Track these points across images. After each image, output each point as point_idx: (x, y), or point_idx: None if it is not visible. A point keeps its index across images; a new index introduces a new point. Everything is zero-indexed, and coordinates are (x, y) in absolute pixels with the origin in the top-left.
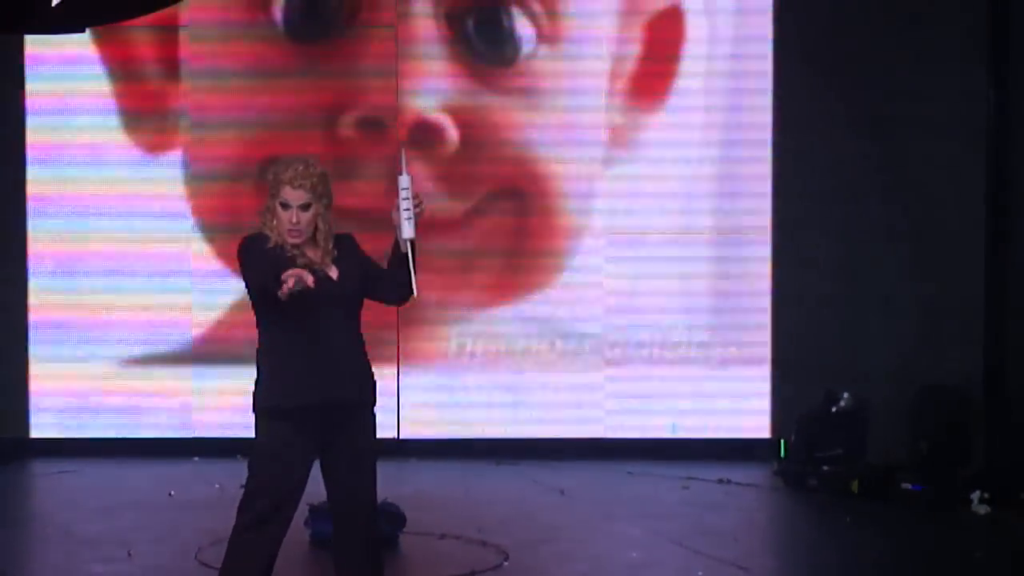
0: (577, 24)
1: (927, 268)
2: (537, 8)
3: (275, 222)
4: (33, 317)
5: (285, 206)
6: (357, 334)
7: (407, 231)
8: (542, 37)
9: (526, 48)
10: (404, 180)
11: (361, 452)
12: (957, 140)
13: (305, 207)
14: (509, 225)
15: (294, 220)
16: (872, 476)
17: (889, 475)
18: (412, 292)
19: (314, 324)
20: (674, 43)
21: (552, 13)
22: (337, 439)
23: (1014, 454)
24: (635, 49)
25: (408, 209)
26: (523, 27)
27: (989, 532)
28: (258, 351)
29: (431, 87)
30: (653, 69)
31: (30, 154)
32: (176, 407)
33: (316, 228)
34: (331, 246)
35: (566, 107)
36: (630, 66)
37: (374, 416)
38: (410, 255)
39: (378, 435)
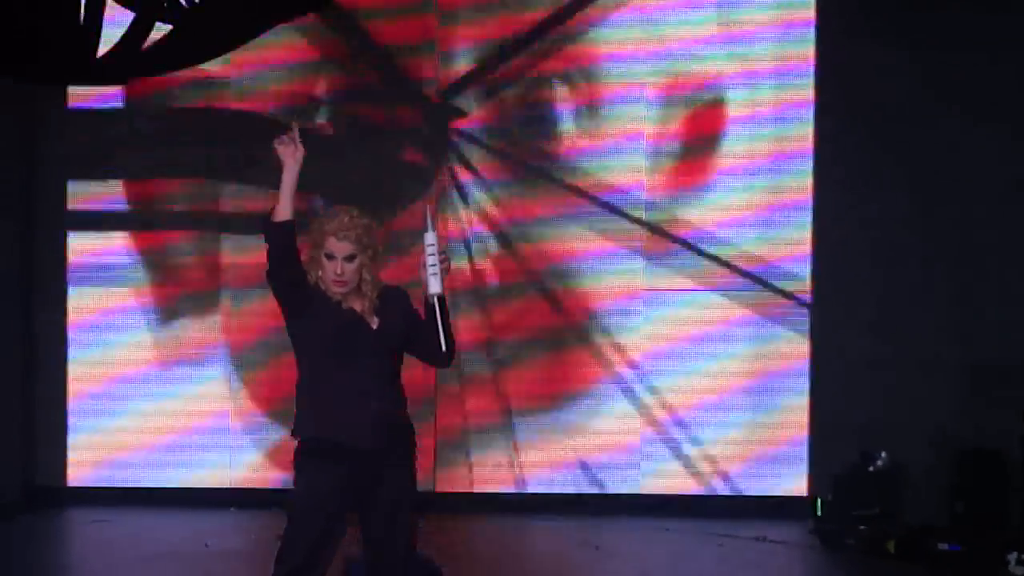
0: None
1: (967, 331)
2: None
3: (320, 272)
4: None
5: (330, 257)
6: (395, 386)
7: (434, 287)
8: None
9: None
10: (430, 237)
11: (396, 505)
12: (1001, 201)
13: (350, 258)
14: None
15: (339, 271)
16: (908, 536)
17: (925, 536)
18: (441, 348)
19: (351, 373)
20: (715, 135)
21: (592, 109)
22: (373, 491)
23: None
24: (676, 144)
25: (434, 265)
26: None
27: None
28: (297, 387)
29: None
30: (695, 162)
31: None
32: (214, 456)
33: (361, 278)
34: (376, 296)
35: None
36: (670, 161)
37: (411, 469)
38: (438, 312)
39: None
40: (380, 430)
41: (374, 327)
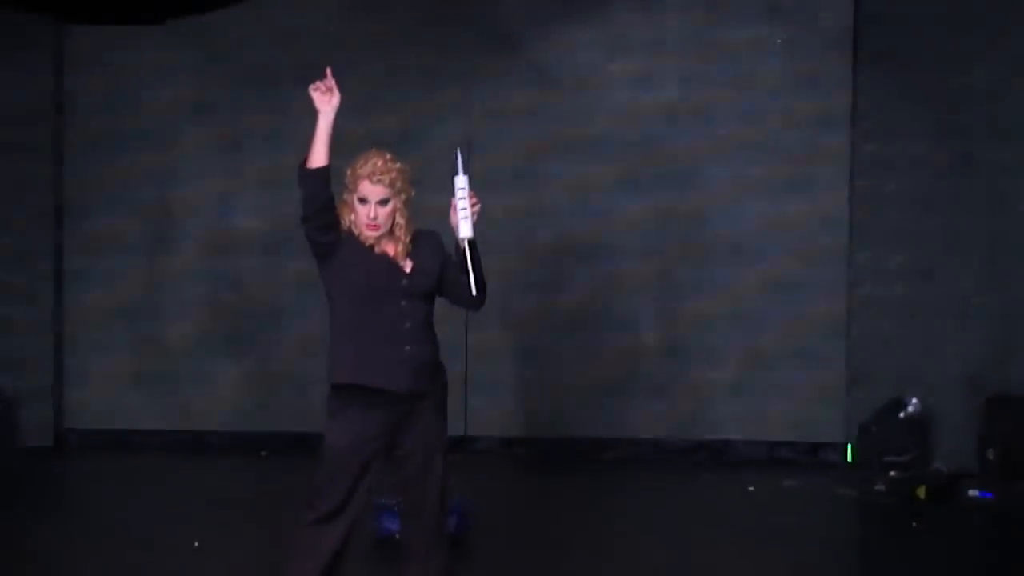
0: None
1: (1001, 277)
2: None
3: (353, 216)
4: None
5: (363, 201)
6: (427, 329)
7: (464, 231)
8: None
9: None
10: (460, 180)
11: (430, 448)
12: None
13: (384, 202)
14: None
15: (372, 215)
16: (939, 483)
17: (956, 482)
18: (472, 293)
19: (383, 314)
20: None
21: None
22: (405, 433)
23: None
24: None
25: (465, 209)
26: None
27: None
28: (331, 333)
29: None
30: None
31: None
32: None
33: (394, 222)
34: (409, 240)
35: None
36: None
37: (444, 411)
38: (468, 256)
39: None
40: (414, 373)
41: (407, 270)
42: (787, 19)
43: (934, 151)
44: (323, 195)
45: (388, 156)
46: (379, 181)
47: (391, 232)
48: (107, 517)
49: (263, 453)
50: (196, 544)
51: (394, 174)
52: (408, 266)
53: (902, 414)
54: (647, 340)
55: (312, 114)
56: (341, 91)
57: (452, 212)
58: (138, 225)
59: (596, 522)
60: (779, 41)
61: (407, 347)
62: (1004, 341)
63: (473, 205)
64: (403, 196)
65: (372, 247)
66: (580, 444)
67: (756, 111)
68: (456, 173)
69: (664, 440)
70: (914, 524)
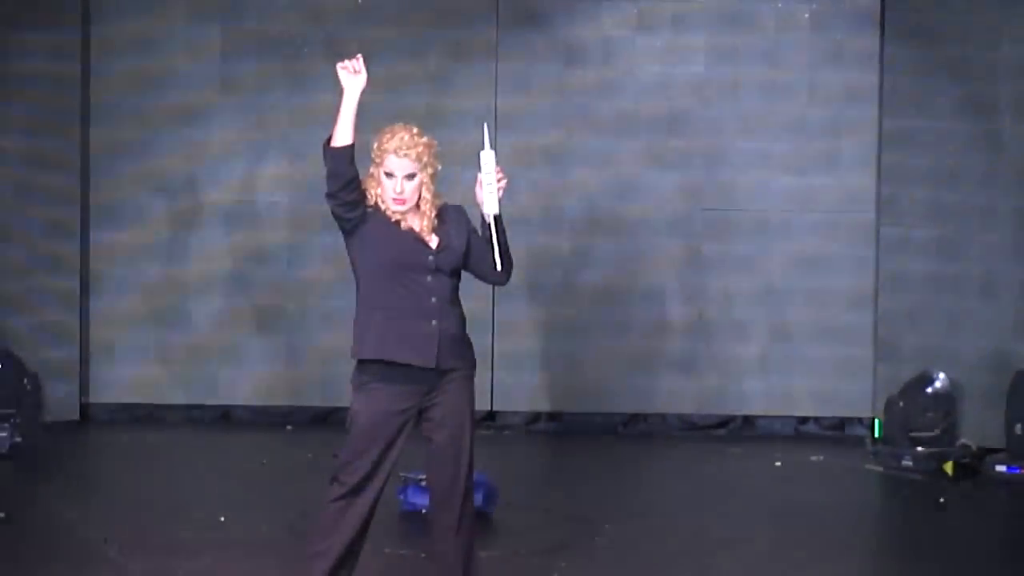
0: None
1: None
2: None
3: (379, 190)
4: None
5: (389, 175)
6: (453, 304)
7: (490, 206)
8: None
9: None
10: (487, 155)
11: (457, 422)
12: None
13: (410, 176)
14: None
15: (398, 189)
16: (966, 458)
17: (983, 457)
18: (496, 268)
19: (408, 289)
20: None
21: None
22: (432, 409)
23: None
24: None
25: (491, 184)
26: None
27: None
28: (357, 308)
29: None
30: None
31: None
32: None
33: (420, 197)
34: (435, 215)
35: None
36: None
37: (470, 388)
38: (494, 231)
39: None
40: (440, 348)
41: (432, 246)
42: None
43: (960, 126)
44: (347, 173)
45: (415, 130)
46: (405, 155)
47: (417, 207)
48: (132, 491)
49: (288, 427)
50: (221, 519)
51: (420, 148)
52: (434, 241)
53: (929, 389)
54: (674, 315)
55: (338, 89)
56: (367, 66)
57: (478, 187)
58: (164, 199)
59: (623, 497)
60: (806, 15)
61: (433, 322)
62: None
63: (499, 180)
64: (429, 170)
65: (398, 222)
66: (607, 419)
67: (783, 86)
68: (482, 148)
69: (691, 415)
70: (941, 499)
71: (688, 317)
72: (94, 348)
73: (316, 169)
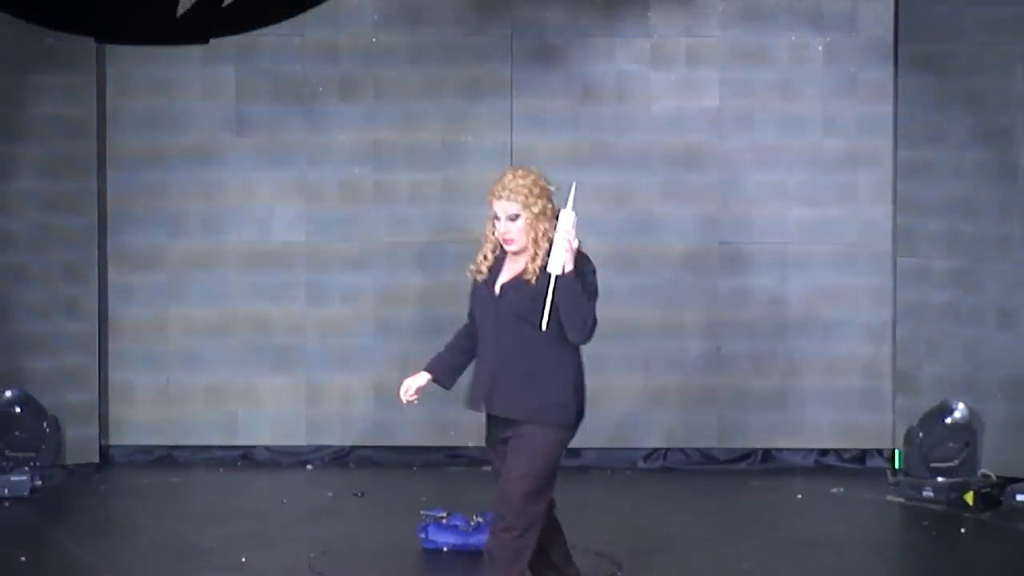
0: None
1: None
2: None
3: (494, 233)
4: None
5: (496, 218)
6: (524, 349)
7: (554, 265)
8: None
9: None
10: (567, 215)
11: (512, 460)
12: None
13: (513, 218)
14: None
15: (503, 231)
16: (987, 487)
17: (1004, 487)
18: (542, 327)
19: (484, 335)
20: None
21: None
22: (501, 454)
23: None
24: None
25: (561, 243)
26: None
27: None
28: None
29: None
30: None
31: None
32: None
33: (532, 238)
34: (537, 257)
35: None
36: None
37: (536, 433)
38: (551, 289)
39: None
40: (491, 390)
41: (497, 290)
42: (827, 26)
43: (976, 156)
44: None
45: (520, 171)
46: (504, 197)
47: (529, 248)
48: (153, 533)
49: (308, 467)
50: (243, 559)
51: (523, 189)
52: (499, 290)
53: (948, 419)
54: (692, 349)
55: (352, 126)
56: (382, 104)
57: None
58: (181, 240)
59: (644, 531)
60: (820, 48)
61: (494, 366)
62: None
63: (571, 242)
64: (534, 210)
65: (491, 269)
66: (627, 454)
67: (798, 119)
68: (564, 206)
69: (711, 449)
70: (962, 530)
71: (707, 351)
72: (113, 390)
73: (332, 207)
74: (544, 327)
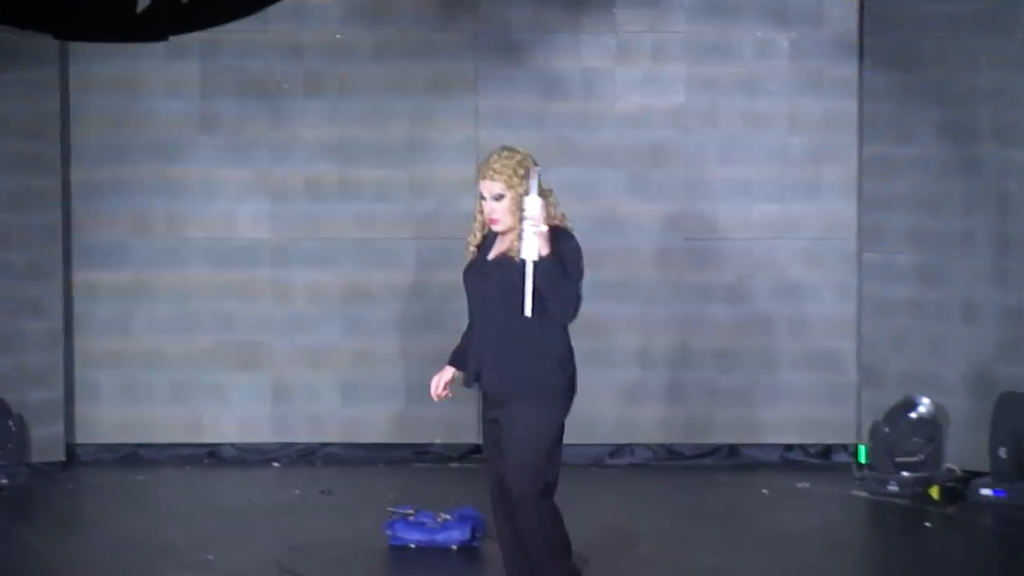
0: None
1: (1008, 275)
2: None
3: (481, 213)
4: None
5: (482, 197)
6: (511, 326)
7: (527, 251)
8: None
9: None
10: (532, 201)
11: (507, 443)
12: None
13: (498, 198)
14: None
15: (488, 210)
16: (952, 482)
17: (968, 481)
18: (525, 311)
19: (475, 312)
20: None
21: None
22: (497, 425)
23: None
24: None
25: (531, 229)
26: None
27: None
28: None
29: None
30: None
31: None
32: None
33: (518, 217)
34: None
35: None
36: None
37: (526, 408)
38: (530, 274)
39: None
40: (485, 367)
41: (485, 272)
42: (792, 21)
43: (941, 151)
44: None
45: (506, 152)
46: (488, 176)
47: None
48: (119, 531)
49: (275, 464)
50: (209, 557)
51: (507, 169)
52: (489, 262)
53: (913, 414)
54: (658, 345)
55: (317, 123)
56: (347, 100)
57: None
58: (146, 237)
59: (609, 528)
60: (785, 44)
61: (487, 343)
62: (1013, 339)
63: (537, 227)
64: (519, 189)
65: (496, 244)
66: (592, 450)
67: (763, 115)
68: (527, 193)
69: (677, 445)
70: (927, 524)
71: (673, 347)
72: (78, 389)
73: (298, 204)
74: (528, 312)
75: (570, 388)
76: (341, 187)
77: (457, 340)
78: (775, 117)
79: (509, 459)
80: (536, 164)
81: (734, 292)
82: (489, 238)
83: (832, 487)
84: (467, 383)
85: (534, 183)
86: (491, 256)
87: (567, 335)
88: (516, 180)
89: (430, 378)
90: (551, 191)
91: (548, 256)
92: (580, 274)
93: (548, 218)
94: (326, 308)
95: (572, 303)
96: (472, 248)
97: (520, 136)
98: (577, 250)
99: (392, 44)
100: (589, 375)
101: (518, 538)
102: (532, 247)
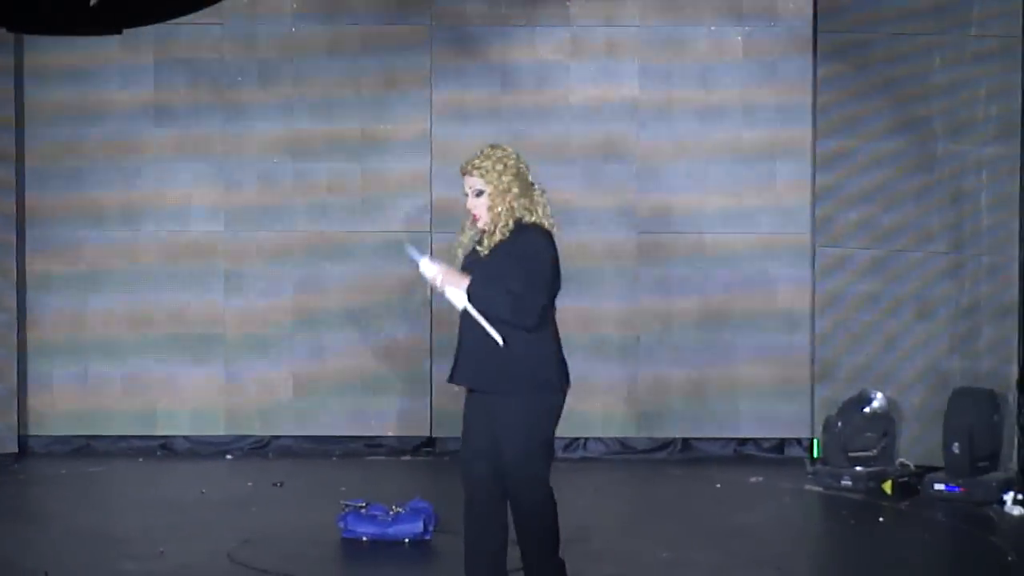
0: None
1: (962, 270)
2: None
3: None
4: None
5: (465, 194)
6: (493, 330)
7: (457, 301)
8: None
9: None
10: (424, 266)
11: (496, 439)
12: (993, 141)
13: (478, 194)
14: None
15: (469, 206)
16: (905, 477)
17: (922, 476)
18: (499, 343)
19: (463, 316)
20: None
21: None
22: (480, 421)
23: None
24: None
25: (440, 289)
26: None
27: (1022, 533)
28: None
29: None
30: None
31: None
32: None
33: (496, 214)
34: (502, 235)
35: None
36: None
37: (510, 405)
38: (476, 313)
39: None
40: (464, 365)
41: (464, 268)
42: (747, 16)
43: (895, 146)
44: None
45: (489, 148)
46: (469, 172)
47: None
48: (72, 523)
49: (228, 457)
50: (161, 550)
51: (486, 164)
52: (467, 259)
53: (867, 409)
54: (612, 339)
55: (271, 116)
56: (301, 94)
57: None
58: (99, 229)
59: (562, 520)
60: (739, 38)
61: (466, 341)
62: (967, 334)
63: (440, 280)
64: (499, 186)
65: (477, 244)
66: None
67: (717, 109)
68: (415, 261)
69: (630, 438)
70: (880, 519)
71: (626, 341)
72: (31, 380)
73: (251, 198)
74: (500, 341)
75: (549, 382)
76: (295, 180)
77: (406, 333)
78: (729, 110)
79: (504, 457)
80: (520, 168)
81: (688, 285)
82: (481, 234)
83: (785, 481)
84: (455, 381)
85: (413, 252)
86: (471, 253)
87: (545, 330)
88: (494, 176)
89: (380, 371)
90: (542, 191)
91: (480, 289)
92: (538, 274)
93: (516, 216)
94: (279, 301)
95: (522, 317)
96: (461, 242)
97: (474, 130)
98: (536, 253)
99: (346, 38)
100: None
101: (486, 537)
102: (455, 297)
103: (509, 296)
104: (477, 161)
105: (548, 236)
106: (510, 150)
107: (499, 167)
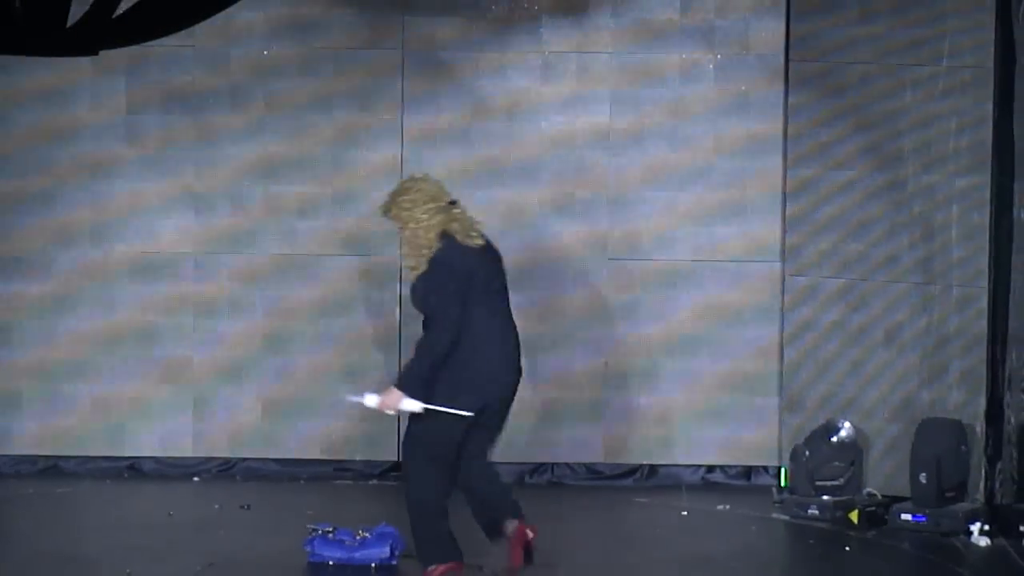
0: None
1: (931, 300)
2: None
3: None
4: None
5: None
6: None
7: (413, 409)
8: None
9: None
10: (370, 401)
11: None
12: (964, 173)
13: (400, 231)
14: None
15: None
16: (872, 506)
17: (889, 506)
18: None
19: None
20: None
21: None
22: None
23: (1015, 487)
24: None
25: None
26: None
27: (989, 564)
28: None
29: None
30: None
31: None
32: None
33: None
34: (418, 265)
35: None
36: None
37: (426, 415)
38: (433, 407)
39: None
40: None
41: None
42: (719, 43)
43: (865, 175)
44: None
45: (399, 187)
46: (386, 214)
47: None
48: (37, 544)
49: (195, 479)
50: (128, 572)
51: (394, 207)
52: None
53: (834, 438)
54: (580, 365)
55: (242, 138)
56: (272, 116)
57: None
58: (70, 251)
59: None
60: (711, 66)
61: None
62: (936, 365)
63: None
64: (411, 224)
65: None
66: (513, 468)
67: (688, 136)
68: (362, 402)
69: (597, 464)
70: (847, 548)
71: (594, 367)
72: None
73: (221, 219)
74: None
75: (448, 398)
76: (265, 202)
77: (375, 357)
78: (700, 139)
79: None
80: (433, 192)
81: (656, 312)
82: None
83: (752, 510)
84: None
85: (353, 397)
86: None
87: (470, 346)
88: (407, 214)
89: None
90: (462, 208)
91: (409, 381)
92: (441, 286)
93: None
94: (248, 323)
95: (438, 339)
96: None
97: (445, 155)
98: (437, 268)
99: (318, 61)
100: None
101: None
102: (408, 405)
103: (418, 349)
104: (387, 203)
105: (454, 247)
106: (419, 180)
107: (407, 204)
